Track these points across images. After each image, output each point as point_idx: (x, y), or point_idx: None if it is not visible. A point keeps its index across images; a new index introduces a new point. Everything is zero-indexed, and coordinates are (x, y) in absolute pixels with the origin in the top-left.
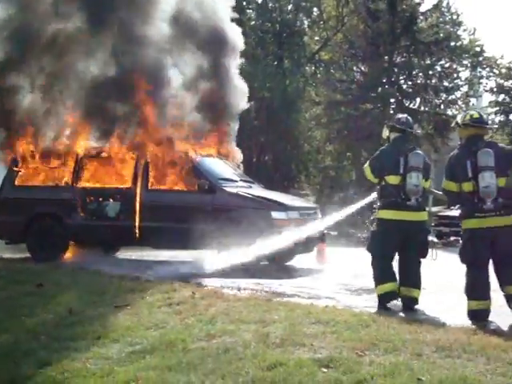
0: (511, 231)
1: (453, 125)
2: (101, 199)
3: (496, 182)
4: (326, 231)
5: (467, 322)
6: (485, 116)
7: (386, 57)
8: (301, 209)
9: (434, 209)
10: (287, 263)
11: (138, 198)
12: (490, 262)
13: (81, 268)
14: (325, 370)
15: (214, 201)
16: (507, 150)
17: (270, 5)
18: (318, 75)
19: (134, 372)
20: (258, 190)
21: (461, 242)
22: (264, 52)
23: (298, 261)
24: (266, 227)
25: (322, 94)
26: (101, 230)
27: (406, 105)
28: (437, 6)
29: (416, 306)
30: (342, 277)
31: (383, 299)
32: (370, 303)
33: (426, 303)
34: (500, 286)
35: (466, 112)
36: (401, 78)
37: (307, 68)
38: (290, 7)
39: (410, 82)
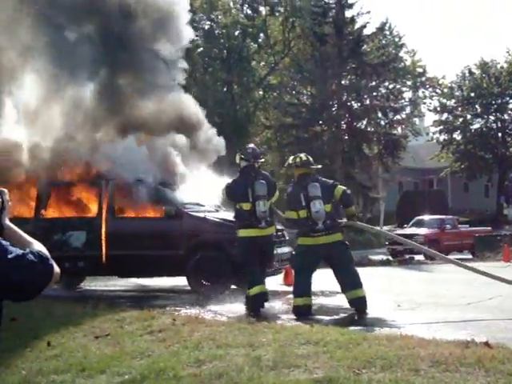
0: (339, 245)
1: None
2: (65, 229)
3: (324, 207)
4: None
5: (454, 336)
6: (310, 158)
7: (335, 79)
8: None
9: (386, 228)
10: None
11: (103, 227)
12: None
13: (53, 299)
14: None
15: (182, 226)
16: (328, 183)
17: (217, 31)
18: (268, 99)
19: None
20: (225, 214)
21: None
22: (213, 78)
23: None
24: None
25: (272, 117)
26: (66, 260)
27: (356, 126)
28: (381, 29)
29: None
30: (316, 297)
31: (256, 300)
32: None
33: (405, 319)
34: (342, 291)
35: (295, 156)
36: (350, 99)
37: (256, 93)
38: (236, 33)
39: (358, 104)
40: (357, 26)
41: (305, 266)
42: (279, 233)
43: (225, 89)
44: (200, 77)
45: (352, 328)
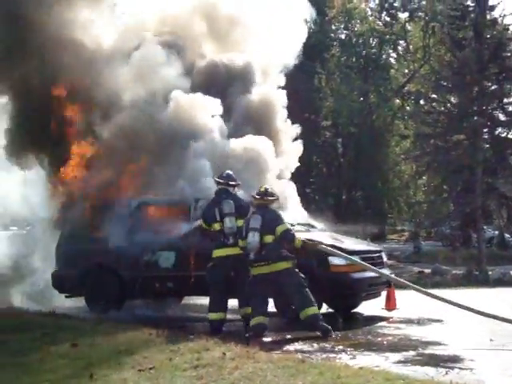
0: (285, 274)
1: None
2: (155, 249)
3: (258, 239)
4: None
5: None
6: (270, 190)
7: (475, 86)
8: (362, 253)
9: None
10: (353, 310)
11: (192, 247)
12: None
13: (125, 323)
14: None
15: None
16: (274, 219)
17: (354, 40)
18: (407, 108)
19: None
20: (315, 234)
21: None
22: (349, 87)
23: (365, 307)
24: (323, 273)
25: (411, 127)
26: (156, 280)
27: (499, 134)
28: None
29: None
30: (407, 326)
31: (214, 324)
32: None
33: (486, 359)
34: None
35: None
36: (492, 106)
37: (395, 101)
38: (374, 41)
39: (502, 111)
40: (499, 28)
41: (261, 293)
42: (376, 254)
43: (361, 98)
44: (336, 87)
45: (416, 368)
